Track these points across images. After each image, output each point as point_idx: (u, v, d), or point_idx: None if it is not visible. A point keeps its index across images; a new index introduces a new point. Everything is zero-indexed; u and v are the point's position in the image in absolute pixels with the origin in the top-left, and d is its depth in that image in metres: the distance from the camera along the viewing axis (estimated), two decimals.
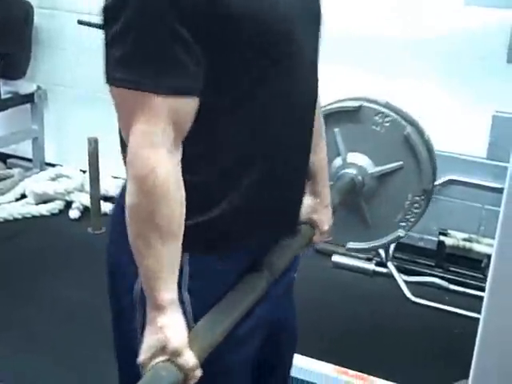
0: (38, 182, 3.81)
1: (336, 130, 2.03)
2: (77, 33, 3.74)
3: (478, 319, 1.50)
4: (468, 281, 3.04)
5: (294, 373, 2.08)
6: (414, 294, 2.95)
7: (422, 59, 3.12)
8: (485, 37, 2.97)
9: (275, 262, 1.40)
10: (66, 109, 4.08)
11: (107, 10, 1.09)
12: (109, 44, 1.10)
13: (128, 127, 1.10)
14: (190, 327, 1.18)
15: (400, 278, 3.01)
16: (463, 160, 3.10)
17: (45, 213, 3.60)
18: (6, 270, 3.09)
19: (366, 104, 2.03)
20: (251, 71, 1.16)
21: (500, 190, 1.49)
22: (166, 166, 1.09)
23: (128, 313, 1.28)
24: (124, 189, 1.18)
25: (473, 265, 3.07)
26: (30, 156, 4.17)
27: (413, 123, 2.08)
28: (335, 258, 3.10)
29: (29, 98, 4.00)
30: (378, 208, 2.02)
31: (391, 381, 2.08)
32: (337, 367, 2.06)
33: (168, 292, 1.14)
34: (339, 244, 2.11)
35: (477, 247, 3.07)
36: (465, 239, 3.11)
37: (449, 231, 3.16)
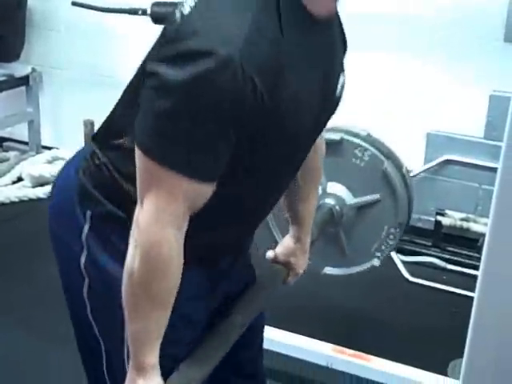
0: (34, 165, 3.80)
1: None
2: (71, 14, 3.71)
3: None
4: (465, 260, 3.05)
5: (292, 352, 2.10)
6: (411, 274, 2.96)
7: (419, 39, 3.10)
8: (482, 16, 2.96)
9: (248, 306, 1.44)
10: (61, 91, 4.07)
11: (163, 80, 1.03)
12: (153, 110, 1.06)
13: (144, 192, 1.09)
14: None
15: (397, 258, 3.01)
16: (460, 140, 3.10)
17: (41, 196, 3.60)
18: (3, 253, 3.09)
19: (346, 137, 2.08)
20: (256, 161, 1.17)
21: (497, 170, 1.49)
22: (171, 243, 1.10)
23: (75, 283, 1.30)
24: (86, 166, 1.25)
25: (470, 244, 3.07)
26: (26, 139, 4.16)
27: (391, 157, 2.14)
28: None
29: (24, 81, 3.98)
30: (355, 237, 2.09)
31: (389, 360, 2.10)
32: (335, 346, 2.07)
33: (152, 356, 1.17)
34: (315, 269, 2.18)
35: (474, 227, 3.08)
36: (462, 219, 3.12)
37: (446, 211, 3.16)
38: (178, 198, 1.08)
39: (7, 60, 3.92)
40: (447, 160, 3.10)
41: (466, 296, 2.69)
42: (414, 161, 3.18)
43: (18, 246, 3.15)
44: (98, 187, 1.25)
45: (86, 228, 1.26)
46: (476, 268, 2.91)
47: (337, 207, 2.07)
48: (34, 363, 2.37)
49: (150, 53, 1.15)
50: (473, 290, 1.63)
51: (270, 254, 1.63)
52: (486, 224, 2.95)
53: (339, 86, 1.31)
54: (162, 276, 1.12)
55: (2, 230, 3.32)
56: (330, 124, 2.06)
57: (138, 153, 1.08)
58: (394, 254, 3.02)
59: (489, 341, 1.61)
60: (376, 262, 2.23)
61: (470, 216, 3.12)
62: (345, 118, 2.02)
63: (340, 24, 1.34)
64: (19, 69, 3.95)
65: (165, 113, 1.04)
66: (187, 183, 1.07)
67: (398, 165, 2.15)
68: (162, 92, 1.04)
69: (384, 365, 2.02)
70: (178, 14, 1.06)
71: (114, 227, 1.24)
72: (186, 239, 1.14)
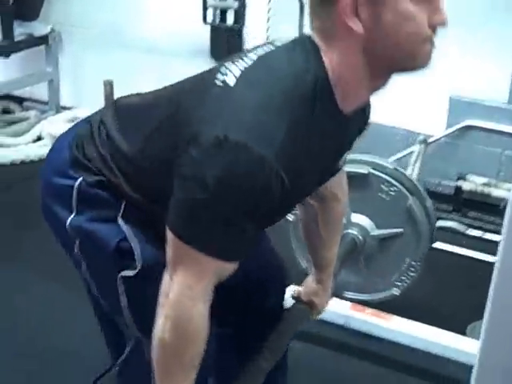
0: (53, 124, 3.80)
1: None
2: None
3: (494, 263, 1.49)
4: (486, 225, 3.03)
5: None
6: None
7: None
8: None
9: (275, 343, 1.51)
10: (81, 51, 4.04)
11: (200, 173, 1.07)
12: (188, 198, 1.10)
13: (174, 265, 1.15)
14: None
15: None
16: (483, 105, 3.05)
17: None
18: (23, 209, 3.12)
19: (373, 171, 2.14)
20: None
21: None
22: (201, 315, 1.17)
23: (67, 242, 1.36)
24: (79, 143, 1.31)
25: (491, 209, 3.04)
26: (45, 99, 4.15)
27: (415, 193, 2.18)
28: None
29: (43, 40, 3.95)
30: (376, 267, 2.14)
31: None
32: (354, 305, 2.07)
33: None
34: (336, 292, 2.20)
35: (495, 192, 3.05)
36: (483, 184, 3.08)
37: (467, 176, 3.13)
38: (208, 276, 1.14)
39: (27, 19, 3.89)
40: (469, 125, 3.05)
41: (485, 261, 2.68)
42: (436, 125, 3.15)
43: (37, 203, 3.16)
44: (91, 161, 1.30)
45: (75, 193, 1.30)
46: (497, 233, 2.91)
47: (360, 237, 2.12)
48: (49, 308, 2.43)
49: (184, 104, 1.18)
50: (493, 255, 1.61)
51: (293, 293, 1.71)
52: (507, 189, 2.93)
53: (342, 160, 1.43)
54: (192, 345, 1.18)
55: (22, 188, 3.34)
56: (359, 156, 2.19)
57: (170, 235, 1.13)
58: None
59: (509, 303, 1.60)
60: (395, 292, 2.27)
61: (492, 181, 3.08)
62: None
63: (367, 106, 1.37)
64: (39, 28, 3.92)
65: (202, 203, 1.08)
66: (218, 264, 1.13)
67: (422, 200, 2.20)
68: (199, 183, 1.08)
69: (403, 324, 2.02)
70: (220, 78, 1.12)
71: (101, 193, 1.29)
72: None
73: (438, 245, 2.89)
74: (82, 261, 1.35)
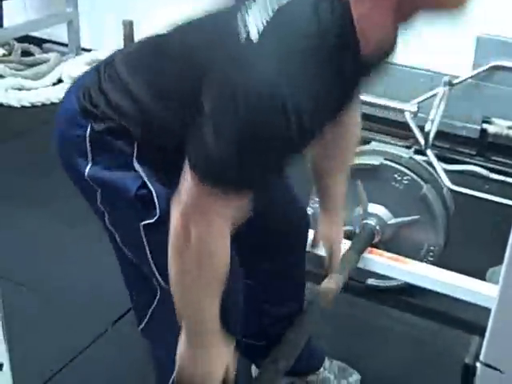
0: (74, 66, 3.78)
1: (358, 182, 2.17)
2: None
3: None
4: (509, 169, 2.98)
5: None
6: (453, 183, 2.90)
7: None
8: None
9: (292, 350, 1.54)
10: None
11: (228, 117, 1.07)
12: (214, 140, 1.08)
13: (192, 207, 1.13)
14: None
15: (439, 166, 2.95)
16: (511, 44, 2.96)
17: None
18: (44, 152, 3.12)
19: (385, 162, 2.16)
20: None
21: None
22: (223, 246, 1.17)
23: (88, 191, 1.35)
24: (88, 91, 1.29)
25: None
26: (65, 41, 4.12)
27: (430, 181, 2.19)
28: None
29: None
30: (395, 252, 2.11)
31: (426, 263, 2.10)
32: (372, 249, 2.07)
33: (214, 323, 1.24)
34: (359, 280, 2.28)
35: None
36: (509, 127, 3.02)
37: (493, 119, 3.07)
38: (227, 213, 1.14)
39: None
40: (496, 65, 2.97)
41: (508, 205, 2.65)
42: (463, 66, 3.07)
43: None
44: (99, 107, 1.28)
45: (88, 142, 1.29)
46: None
47: (377, 227, 2.15)
48: (69, 254, 2.46)
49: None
50: None
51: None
52: None
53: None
54: (213, 255, 1.17)
55: (43, 130, 3.32)
56: (372, 146, 2.25)
57: (189, 176, 1.11)
58: (435, 162, 2.95)
59: None
60: None
61: None
62: None
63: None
64: None
65: (228, 134, 1.07)
66: (242, 199, 1.14)
67: (437, 187, 2.22)
68: (227, 123, 1.07)
69: (421, 268, 2.01)
70: (243, 30, 1.08)
71: (112, 139, 1.27)
72: None
73: (460, 189, 2.86)
74: (104, 212, 1.35)
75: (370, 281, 2.29)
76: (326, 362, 1.90)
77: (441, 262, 2.13)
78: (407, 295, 2.26)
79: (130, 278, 1.49)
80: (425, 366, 2.02)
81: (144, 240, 1.31)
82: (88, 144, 1.30)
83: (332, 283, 1.81)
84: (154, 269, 1.33)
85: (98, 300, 2.20)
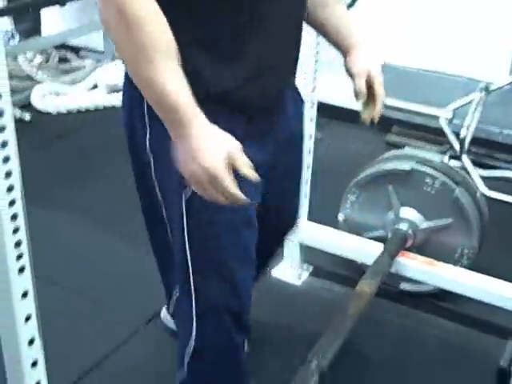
0: (109, 73, 3.82)
1: (390, 187, 2.17)
2: None
3: None
4: None
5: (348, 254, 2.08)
6: (489, 189, 2.86)
7: None
8: None
9: (324, 351, 1.52)
10: None
11: None
12: None
13: None
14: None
15: (475, 172, 2.91)
16: None
17: (116, 103, 3.63)
18: (80, 157, 3.18)
19: (416, 167, 2.15)
20: None
21: None
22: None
23: (145, 169, 1.35)
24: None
25: None
26: (101, 48, 4.17)
27: (463, 184, 2.16)
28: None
29: None
30: (429, 256, 2.11)
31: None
32: (405, 252, 2.06)
33: (183, 95, 1.12)
34: (393, 285, 2.25)
35: None
36: None
37: None
38: None
39: None
40: None
41: None
42: (500, 73, 3.03)
43: (93, 151, 3.22)
44: None
45: (145, 108, 1.28)
46: None
47: (409, 231, 2.14)
48: (105, 258, 2.46)
49: None
50: None
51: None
52: None
53: None
54: (141, 21, 1.09)
55: (78, 136, 3.39)
56: (405, 151, 2.25)
57: None
58: (471, 168, 2.92)
59: None
60: None
61: None
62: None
63: None
64: None
65: None
66: None
67: (470, 190, 2.19)
68: None
69: (456, 272, 1.99)
70: None
71: None
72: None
73: (496, 195, 2.82)
74: (155, 184, 1.36)
75: (403, 285, 2.26)
76: None
77: (477, 267, 2.11)
78: (440, 299, 2.22)
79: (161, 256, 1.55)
80: (459, 370, 1.99)
81: (184, 215, 1.31)
82: (146, 110, 1.28)
83: (366, 287, 1.80)
84: (187, 247, 1.34)
85: (132, 300, 2.22)
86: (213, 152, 1.12)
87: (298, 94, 1.53)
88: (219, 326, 1.44)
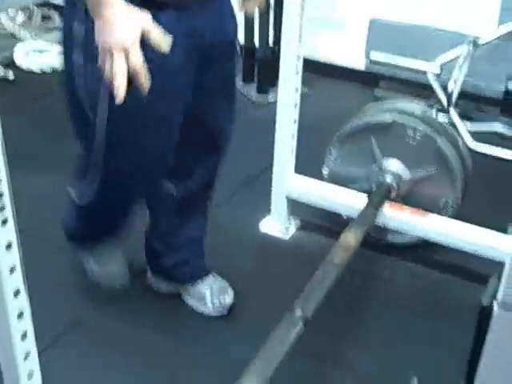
0: None
1: (372, 138, 2.16)
2: None
3: None
4: None
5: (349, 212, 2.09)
6: (477, 142, 2.86)
7: None
8: None
9: (308, 299, 1.54)
10: None
11: None
12: None
13: None
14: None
15: (462, 126, 2.91)
16: None
17: None
18: (66, 115, 3.12)
19: (397, 119, 2.13)
20: None
21: None
22: None
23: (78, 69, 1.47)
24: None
25: None
26: None
27: (444, 134, 2.15)
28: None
29: None
30: (413, 206, 2.13)
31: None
32: (391, 203, 2.07)
33: None
34: (379, 237, 2.25)
35: None
36: None
37: None
38: None
39: None
40: None
41: None
42: (488, 25, 3.01)
43: None
44: None
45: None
46: None
47: (393, 184, 2.14)
48: None
49: None
50: None
51: None
52: None
53: None
54: None
55: (63, 94, 3.35)
56: (386, 103, 2.21)
57: None
58: (458, 121, 2.92)
59: None
60: None
61: None
62: None
63: None
64: None
65: None
66: None
67: (452, 140, 2.18)
68: None
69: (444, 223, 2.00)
70: None
71: None
72: None
73: (483, 148, 2.82)
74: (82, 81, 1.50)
75: (390, 237, 2.27)
76: (210, 278, 1.97)
77: (463, 216, 2.12)
78: (426, 249, 2.24)
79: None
80: (443, 312, 2.02)
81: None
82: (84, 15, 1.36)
83: (350, 237, 1.80)
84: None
85: None
86: (127, 26, 1.23)
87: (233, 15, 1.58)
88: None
